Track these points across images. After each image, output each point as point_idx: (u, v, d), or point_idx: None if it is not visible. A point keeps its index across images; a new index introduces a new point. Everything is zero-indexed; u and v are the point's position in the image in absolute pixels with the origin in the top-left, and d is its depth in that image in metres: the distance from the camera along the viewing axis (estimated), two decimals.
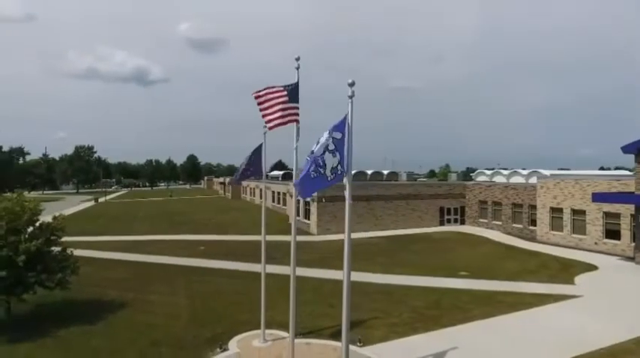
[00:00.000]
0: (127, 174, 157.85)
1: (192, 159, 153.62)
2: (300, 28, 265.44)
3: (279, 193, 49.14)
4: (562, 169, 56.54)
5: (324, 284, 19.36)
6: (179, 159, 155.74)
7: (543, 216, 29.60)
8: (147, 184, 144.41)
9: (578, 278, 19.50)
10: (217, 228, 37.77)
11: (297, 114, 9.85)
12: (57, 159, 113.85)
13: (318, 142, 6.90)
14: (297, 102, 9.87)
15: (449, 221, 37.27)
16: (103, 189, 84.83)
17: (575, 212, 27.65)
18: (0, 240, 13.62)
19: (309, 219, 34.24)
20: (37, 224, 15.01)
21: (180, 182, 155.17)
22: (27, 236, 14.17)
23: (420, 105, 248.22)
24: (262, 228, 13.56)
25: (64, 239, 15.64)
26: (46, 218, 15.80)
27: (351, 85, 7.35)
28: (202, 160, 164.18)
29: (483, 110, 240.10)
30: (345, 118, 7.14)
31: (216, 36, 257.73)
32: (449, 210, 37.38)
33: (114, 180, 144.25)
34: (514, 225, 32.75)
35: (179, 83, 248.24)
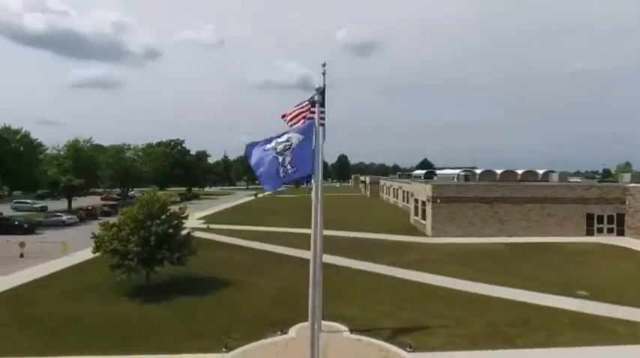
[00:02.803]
0: None
1: (342, 159, 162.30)
2: (458, 23, 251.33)
3: (407, 192, 48.59)
4: None
5: (407, 285, 19.11)
6: (331, 159, 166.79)
7: None
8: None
9: None
10: (339, 224, 39.81)
11: (322, 118, 10.42)
12: (233, 159, 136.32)
13: (274, 140, 7.33)
14: (323, 106, 10.45)
15: (600, 231, 31.04)
16: (256, 186, 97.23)
17: None
18: (141, 223, 17.98)
19: (424, 220, 33.25)
20: (168, 213, 19.12)
21: (334, 180, 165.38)
22: (158, 221, 18.25)
23: (608, 90, 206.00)
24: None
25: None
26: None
27: (319, 90, 7.71)
28: (356, 160, 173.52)
29: None
30: (311, 123, 7.53)
31: (372, 39, 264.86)
32: (600, 217, 31.10)
33: None
34: None
35: (338, 86, 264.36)
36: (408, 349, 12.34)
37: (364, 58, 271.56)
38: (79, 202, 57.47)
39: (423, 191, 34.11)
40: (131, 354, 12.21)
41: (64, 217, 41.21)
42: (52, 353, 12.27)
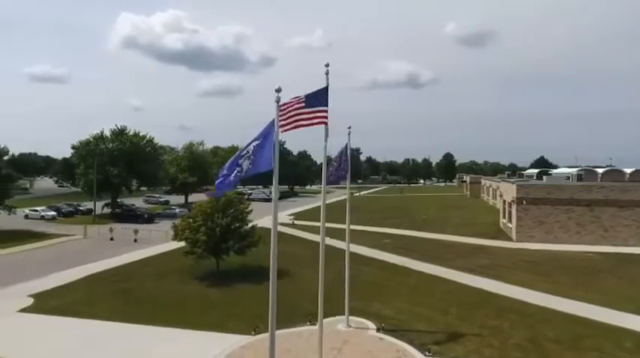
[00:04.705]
0: (392, 171, 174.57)
1: (448, 158, 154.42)
2: (579, 6, 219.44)
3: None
4: None
5: (461, 290, 18.21)
6: (436, 157, 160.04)
7: None
8: (404, 181, 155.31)
9: None
10: (420, 224, 38.75)
11: (325, 117, 10.74)
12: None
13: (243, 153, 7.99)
14: (326, 105, 10.76)
15: None
16: (358, 185, 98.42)
17: None
18: (210, 216, 20.40)
19: (511, 223, 30.50)
20: (234, 208, 21.26)
21: (441, 180, 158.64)
22: (224, 214, 20.47)
23: None
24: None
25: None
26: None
27: (278, 91, 8.10)
28: (467, 158, 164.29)
29: None
30: (270, 125, 8.03)
31: (483, 30, 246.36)
32: None
33: (379, 176, 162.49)
34: None
35: (448, 82, 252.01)
36: (427, 353, 12.10)
37: (475, 49, 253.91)
38: (195, 197, 65.71)
39: (510, 191, 31.37)
40: (180, 328, 14.24)
41: (177, 210, 47.81)
42: (128, 319, 14.96)
